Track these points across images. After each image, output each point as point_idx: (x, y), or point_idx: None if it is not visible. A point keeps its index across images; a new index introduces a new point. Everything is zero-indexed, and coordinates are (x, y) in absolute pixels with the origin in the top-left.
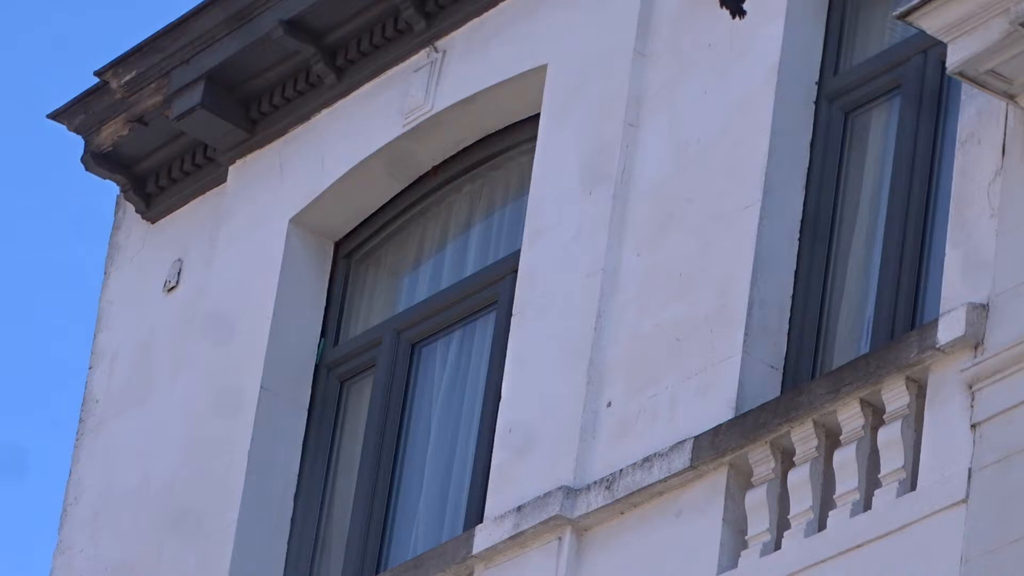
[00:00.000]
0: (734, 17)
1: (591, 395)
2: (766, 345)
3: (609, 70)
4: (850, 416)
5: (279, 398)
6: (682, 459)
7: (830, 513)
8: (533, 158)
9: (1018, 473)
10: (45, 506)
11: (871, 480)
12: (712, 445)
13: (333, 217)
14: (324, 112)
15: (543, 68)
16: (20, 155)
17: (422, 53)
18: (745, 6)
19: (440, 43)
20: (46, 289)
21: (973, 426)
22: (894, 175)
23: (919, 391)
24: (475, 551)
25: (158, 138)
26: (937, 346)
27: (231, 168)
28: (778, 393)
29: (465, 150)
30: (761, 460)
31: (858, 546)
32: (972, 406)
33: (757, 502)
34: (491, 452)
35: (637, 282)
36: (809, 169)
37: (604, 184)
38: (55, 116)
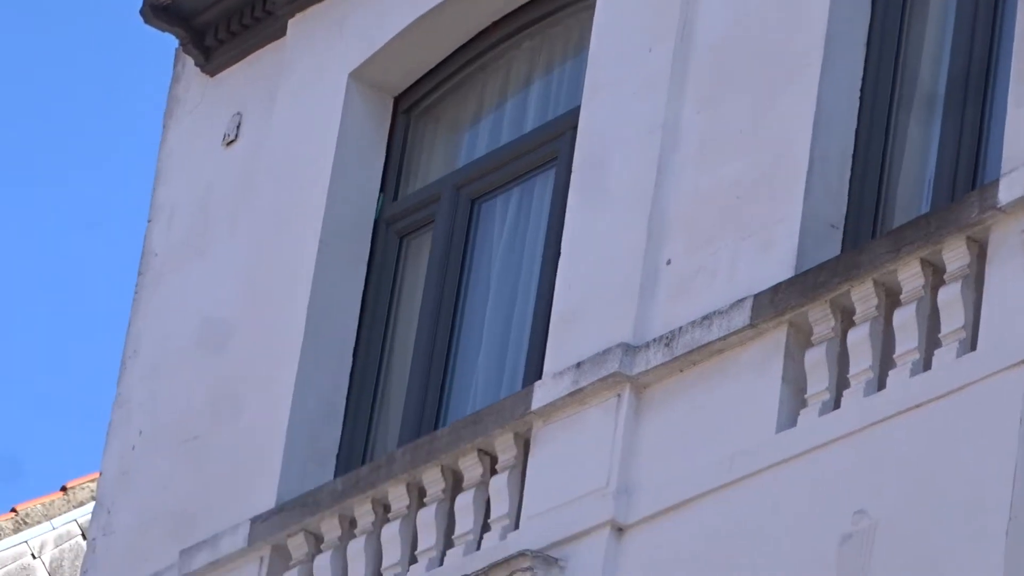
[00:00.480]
0: None
1: (650, 252)
2: (826, 204)
3: None
4: (910, 276)
5: (337, 252)
6: (742, 317)
7: (890, 372)
8: (593, 15)
9: None
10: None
11: (931, 340)
12: (772, 303)
13: (392, 72)
14: None
15: None
16: (80, 9)
17: None
18: None
19: None
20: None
21: None
22: (956, 33)
23: (980, 251)
24: (534, 407)
25: None
26: (998, 206)
27: (291, 22)
28: (838, 252)
29: (524, 6)
30: (821, 319)
31: (918, 406)
32: None
33: (816, 361)
34: (550, 309)
35: (697, 139)
36: (870, 28)
37: (665, 41)
38: None
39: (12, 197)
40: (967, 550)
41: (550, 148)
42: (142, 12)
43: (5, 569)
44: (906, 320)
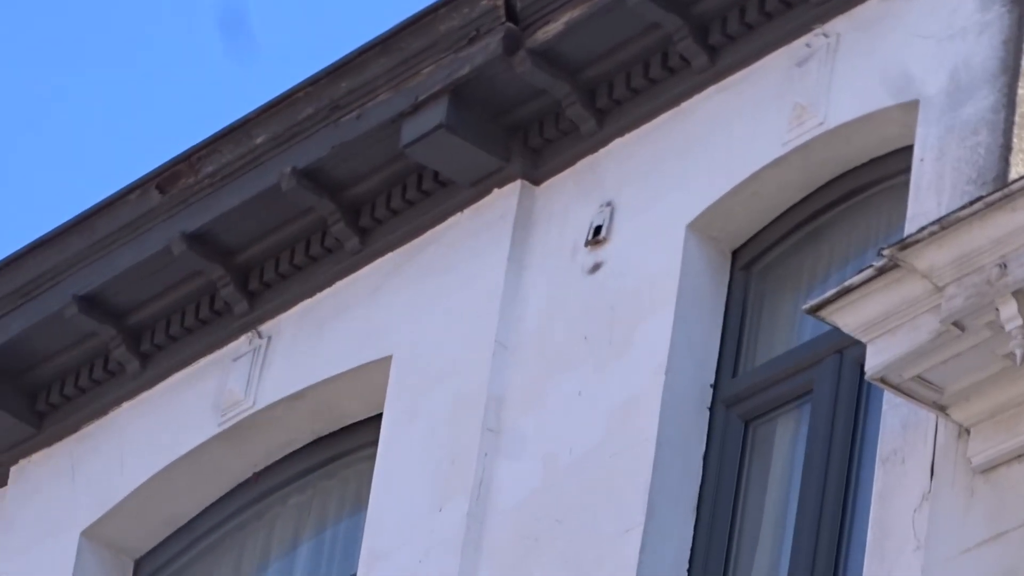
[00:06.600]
0: None
1: None
2: None
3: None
4: None
5: None
6: None
7: None
8: (373, 467)
9: None
10: None
11: None
12: None
13: (131, 531)
14: (125, 405)
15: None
16: None
17: (243, 338)
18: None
19: (264, 328)
20: None
21: None
22: (803, 495)
23: None
24: None
25: None
26: None
27: (13, 469)
28: None
29: (293, 454)
30: None
31: None
32: None
33: None
34: None
35: None
36: (702, 486)
37: (458, 499)
38: None
39: None
40: None
41: None
42: None
43: None
44: None
